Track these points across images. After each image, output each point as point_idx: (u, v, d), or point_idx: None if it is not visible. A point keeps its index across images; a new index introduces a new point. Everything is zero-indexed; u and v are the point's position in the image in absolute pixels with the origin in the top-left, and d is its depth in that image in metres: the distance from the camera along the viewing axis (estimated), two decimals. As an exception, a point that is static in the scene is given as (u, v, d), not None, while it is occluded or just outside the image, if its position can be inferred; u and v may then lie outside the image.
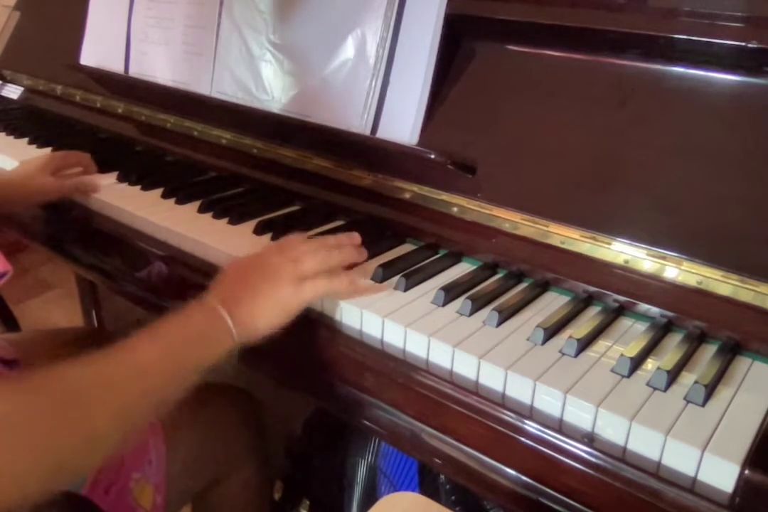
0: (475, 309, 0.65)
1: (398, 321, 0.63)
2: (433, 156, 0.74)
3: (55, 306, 2.20)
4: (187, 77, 1.02)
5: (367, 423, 0.64)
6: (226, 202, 0.88)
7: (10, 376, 0.48)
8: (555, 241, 0.69)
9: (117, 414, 0.52)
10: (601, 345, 0.61)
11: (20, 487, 0.46)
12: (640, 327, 0.64)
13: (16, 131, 1.21)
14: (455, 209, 0.76)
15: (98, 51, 1.17)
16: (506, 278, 0.72)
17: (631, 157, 0.68)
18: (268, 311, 0.63)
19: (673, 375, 0.55)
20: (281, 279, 0.64)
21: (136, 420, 0.55)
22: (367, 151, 0.82)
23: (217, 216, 0.85)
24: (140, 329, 0.57)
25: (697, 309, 0.62)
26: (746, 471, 0.46)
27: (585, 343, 0.60)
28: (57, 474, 0.49)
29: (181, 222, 0.83)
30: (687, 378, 0.56)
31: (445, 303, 0.66)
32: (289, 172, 0.91)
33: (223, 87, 0.97)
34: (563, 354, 0.59)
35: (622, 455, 0.51)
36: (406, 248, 0.78)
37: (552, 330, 0.62)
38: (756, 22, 0.63)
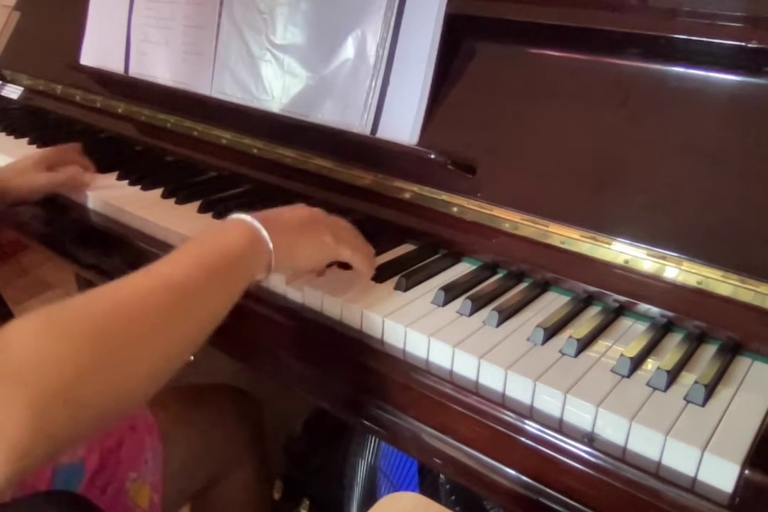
0: (475, 309, 0.65)
1: (398, 321, 0.63)
2: (433, 156, 0.74)
3: (55, 307, 2.19)
4: (187, 77, 1.02)
5: (367, 423, 0.64)
6: (226, 202, 0.88)
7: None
8: (555, 241, 0.69)
9: (162, 329, 0.49)
10: (601, 345, 0.61)
11: (81, 410, 0.44)
12: (640, 327, 0.64)
13: (16, 131, 1.21)
14: (455, 209, 0.76)
15: (98, 51, 1.17)
16: (506, 278, 0.72)
17: (631, 157, 0.68)
18: (308, 248, 0.63)
19: (673, 375, 0.55)
20: (322, 229, 0.64)
21: (181, 338, 0.51)
22: (367, 151, 0.82)
23: (217, 216, 0.85)
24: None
25: (697, 309, 0.62)
26: (746, 471, 0.46)
27: (585, 343, 0.60)
28: (114, 400, 0.47)
29: (181, 222, 0.83)
30: (687, 378, 0.56)
31: (445, 303, 0.66)
32: (289, 172, 0.91)
33: (223, 87, 0.97)
34: (563, 354, 0.59)
35: (622, 455, 0.51)
36: (406, 248, 0.78)
37: (552, 330, 0.62)
38: (756, 22, 0.63)
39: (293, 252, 0.62)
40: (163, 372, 0.50)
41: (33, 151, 1.12)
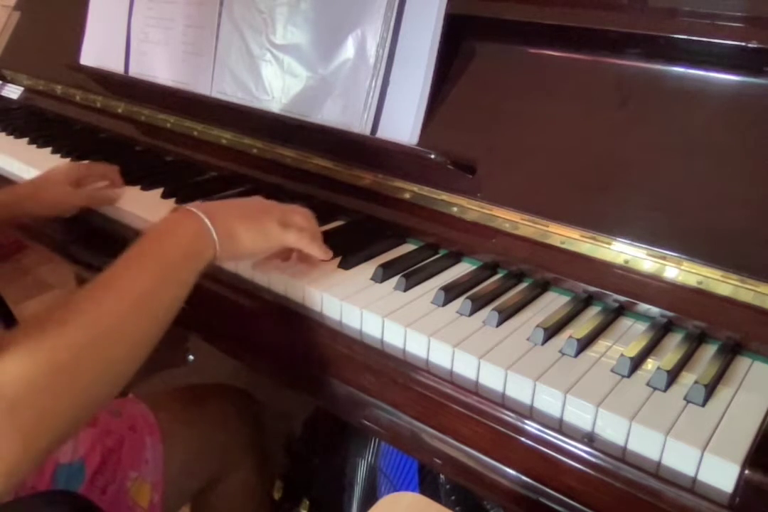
0: (475, 309, 0.65)
1: (398, 321, 0.63)
2: (433, 156, 0.74)
3: (55, 307, 2.19)
4: (187, 77, 1.02)
5: (367, 423, 0.64)
6: (226, 202, 0.88)
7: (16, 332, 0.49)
8: (555, 241, 0.69)
9: (130, 343, 0.54)
10: (601, 345, 0.61)
11: (62, 426, 0.48)
12: (640, 327, 0.64)
13: (16, 131, 1.21)
14: (455, 209, 0.76)
15: (98, 51, 1.17)
16: (506, 278, 0.72)
17: (631, 157, 0.68)
18: (251, 235, 0.65)
19: (673, 375, 0.55)
20: (270, 215, 0.66)
21: (146, 343, 0.56)
22: (367, 151, 0.82)
23: (217, 216, 0.85)
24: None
25: (697, 309, 0.62)
26: (746, 471, 0.46)
27: (585, 343, 0.60)
28: (89, 409, 0.52)
29: (181, 222, 0.83)
30: (687, 378, 0.56)
31: (445, 303, 0.66)
32: (289, 172, 0.91)
33: (223, 87, 0.97)
34: (563, 354, 0.59)
35: (622, 455, 0.51)
36: (406, 248, 0.78)
37: (552, 330, 0.62)
38: (756, 22, 0.63)
39: (235, 238, 0.63)
40: (127, 371, 0.54)
41: (35, 152, 1.12)
